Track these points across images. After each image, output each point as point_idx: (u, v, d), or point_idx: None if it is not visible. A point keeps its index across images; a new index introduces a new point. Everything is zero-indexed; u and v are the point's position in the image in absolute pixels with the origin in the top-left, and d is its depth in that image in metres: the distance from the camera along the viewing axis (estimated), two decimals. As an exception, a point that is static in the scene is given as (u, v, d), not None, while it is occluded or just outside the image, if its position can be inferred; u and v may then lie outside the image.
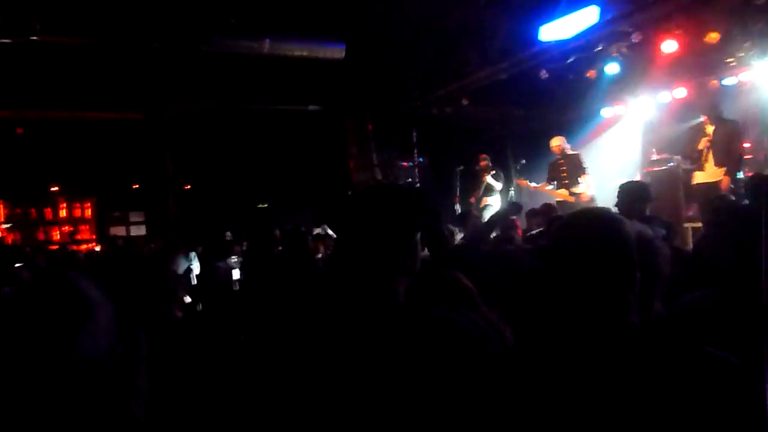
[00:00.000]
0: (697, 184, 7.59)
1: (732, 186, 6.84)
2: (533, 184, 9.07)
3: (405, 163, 12.41)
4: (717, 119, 7.24)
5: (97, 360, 0.82)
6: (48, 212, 14.62)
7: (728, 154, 7.00)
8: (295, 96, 11.15)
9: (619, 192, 4.72)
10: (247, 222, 11.50)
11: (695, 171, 7.51)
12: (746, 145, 8.88)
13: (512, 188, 10.20)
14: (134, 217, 14.71)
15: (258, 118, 11.79)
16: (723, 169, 7.02)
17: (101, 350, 0.84)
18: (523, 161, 10.16)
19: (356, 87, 11.13)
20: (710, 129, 7.27)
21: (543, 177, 9.17)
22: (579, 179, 8.44)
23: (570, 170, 8.52)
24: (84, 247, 12.94)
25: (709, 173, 7.20)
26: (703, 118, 7.49)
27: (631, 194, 4.42)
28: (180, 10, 7.80)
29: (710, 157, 7.19)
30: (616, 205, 4.52)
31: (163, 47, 8.21)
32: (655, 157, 9.99)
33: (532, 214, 6.90)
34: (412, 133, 11.93)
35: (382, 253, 1.39)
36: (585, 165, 8.50)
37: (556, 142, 8.72)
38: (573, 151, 8.72)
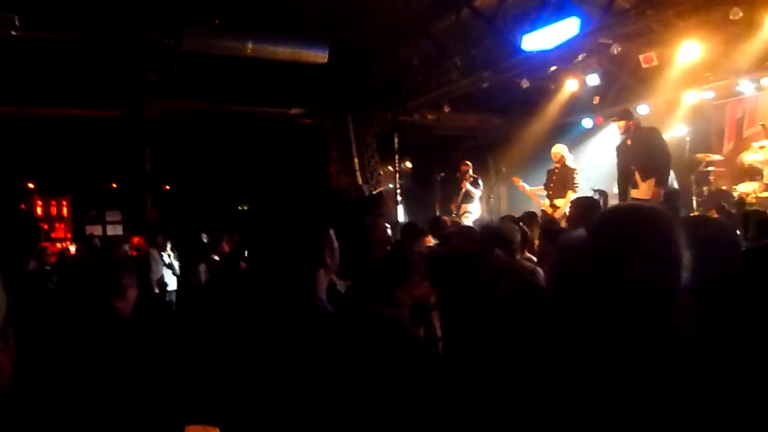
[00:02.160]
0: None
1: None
2: (526, 186, 9.00)
3: (386, 169, 12.42)
4: (635, 130, 6.77)
5: None
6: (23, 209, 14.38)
7: (653, 166, 6.41)
8: (277, 98, 11.11)
9: (570, 207, 4.76)
10: (228, 224, 11.41)
11: (631, 189, 6.76)
12: (716, 156, 9.04)
13: (491, 196, 10.25)
14: (111, 216, 14.53)
15: (239, 119, 11.72)
16: (651, 182, 6.41)
17: None
18: (503, 169, 10.23)
19: (339, 91, 11.13)
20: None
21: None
22: (566, 193, 8.18)
23: (559, 182, 8.31)
24: (58, 245, 12.73)
25: (641, 190, 6.56)
26: (621, 136, 6.91)
27: (582, 209, 4.43)
28: (162, 7, 7.73)
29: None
30: (569, 218, 4.55)
31: (144, 45, 8.13)
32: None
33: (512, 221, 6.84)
34: (394, 139, 11.95)
35: (295, 249, 1.41)
36: (576, 182, 8.17)
37: (556, 150, 8.45)
38: (571, 164, 8.40)
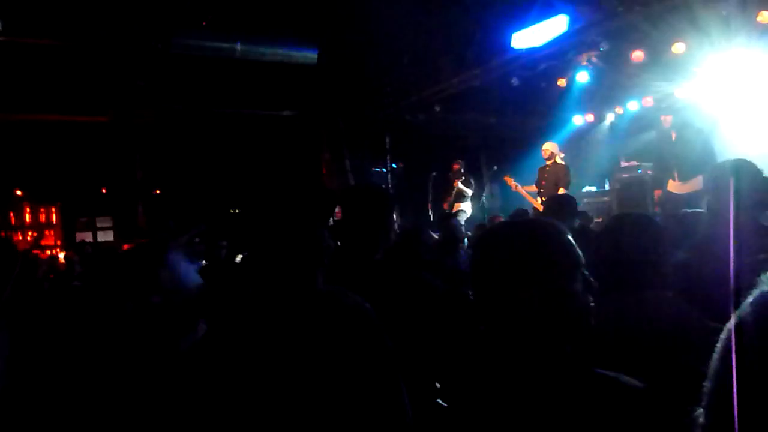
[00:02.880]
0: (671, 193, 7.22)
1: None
2: (518, 185, 8.95)
3: (378, 169, 12.41)
4: (682, 127, 7.14)
5: None
6: (12, 217, 14.24)
7: (695, 165, 6.56)
8: (267, 101, 11.06)
9: (545, 204, 4.67)
10: (220, 227, 11.35)
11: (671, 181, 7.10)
12: None
13: (484, 195, 10.24)
14: (101, 222, 14.41)
15: (230, 122, 11.67)
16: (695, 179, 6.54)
17: None
18: (495, 167, 10.22)
19: (329, 92, 11.10)
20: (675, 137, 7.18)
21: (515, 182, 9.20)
22: (557, 190, 8.08)
23: (551, 179, 8.27)
24: (48, 252, 12.61)
25: (680, 185, 6.85)
26: (666, 126, 7.43)
27: (556, 207, 4.31)
28: (150, 11, 7.68)
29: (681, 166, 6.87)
30: (542, 215, 4.47)
31: (132, 49, 8.08)
32: (624, 164, 10.18)
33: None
34: (385, 139, 11.94)
35: (297, 250, 1.45)
36: (568, 179, 8.17)
37: (546, 146, 8.42)
38: (562, 161, 8.39)
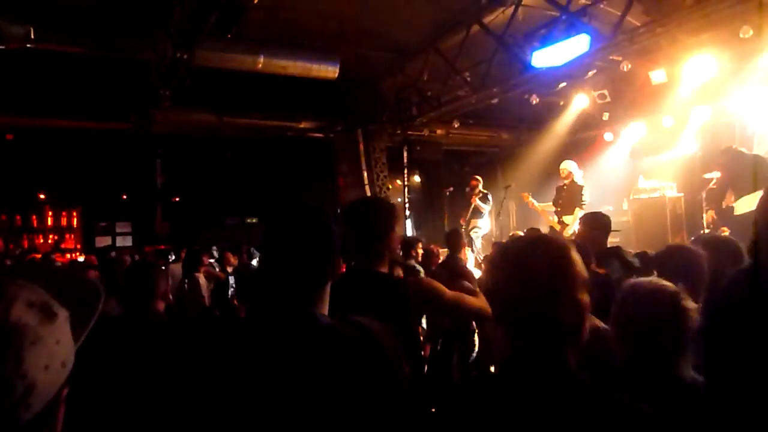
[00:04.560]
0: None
1: None
2: (535, 202, 8.91)
3: (396, 183, 12.45)
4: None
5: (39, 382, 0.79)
6: (34, 220, 14.49)
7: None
8: (287, 112, 11.18)
9: (580, 223, 4.70)
10: (236, 236, 11.45)
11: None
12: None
13: (501, 211, 10.23)
14: (121, 227, 14.62)
15: (249, 132, 11.80)
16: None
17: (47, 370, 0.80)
18: (512, 184, 10.21)
19: (349, 105, 11.19)
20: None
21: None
22: (573, 210, 8.10)
23: (568, 198, 8.22)
24: (68, 256, 12.80)
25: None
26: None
27: (592, 226, 4.36)
28: (175, 22, 7.82)
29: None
30: (577, 235, 4.49)
31: (157, 59, 8.22)
32: (642, 183, 10.12)
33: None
34: (404, 154, 11.99)
35: (306, 273, 1.46)
36: (584, 199, 8.08)
37: (564, 166, 8.37)
38: (580, 181, 8.31)
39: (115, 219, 14.61)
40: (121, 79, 9.30)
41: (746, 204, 6.65)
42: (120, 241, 14.37)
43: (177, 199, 14.07)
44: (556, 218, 8.37)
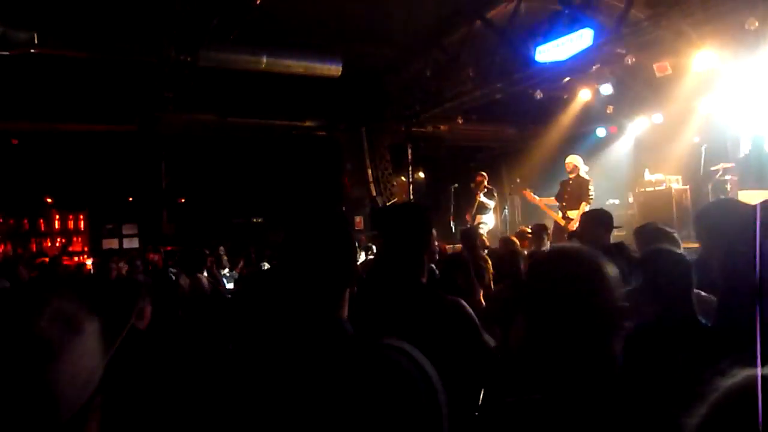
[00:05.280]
0: None
1: None
2: (536, 197, 8.90)
3: (400, 180, 12.46)
4: None
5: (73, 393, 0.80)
6: (41, 223, 14.57)
7: None
8: (291, 111, 11.20)
9: (581, 219, 4.66)
10: (242, 236, 11.48)
11: None
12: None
13: (506, 206, 10.22)
14: (127, 229, 14.66)
15: (254, 132, 11.82)
16: None
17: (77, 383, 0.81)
18: (517, 180, 10.20)
19: (352, 103, 11.20)
20: None
21: (537, 195, 9.15)
22: (579, 204, 8.05)
23: (573, 193, 8.20)
24: (75, 259, 12.87)
25: None
26: None
27: (594, 222, 4.33)
28: (179, 24, 7.84)
29: None
30: (577, 233, 4.44)
31: (161, 61, 8.24)
32: (648, 177, 10.09)
33: (521, 235, 6.75)
34: (408, 150, 11.99)
35: (329, 271, 1.46)
36: (591, 193, 8.07)
37: (569, 160, 8.36)
38: (585, 175, 8.29)
39: (122, 221, 14.66)
40: (125, 82, 9.33)
41: (748, 198, 6.67)
42: (127, 243, 14.43)
43: (183, 200, 14.12)
44: (560, 213, 8.35)
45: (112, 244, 14.19)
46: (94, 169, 12.62)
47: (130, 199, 14.50)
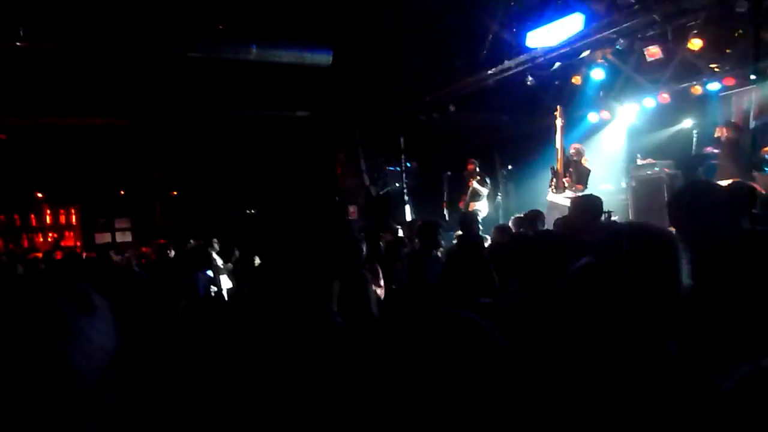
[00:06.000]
0: None
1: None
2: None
3: (392, 169, 12.44)
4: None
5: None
6: (32, 219, 14.48)
7: None
8: (282, 102, 11.14)
9: (570, 206, 4.75)
10: (236, 229, 11.46)
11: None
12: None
13: (499, 193, 10.24)
14: (120, 223, 14.59)
15: (246, 124, 11.76)
16: None
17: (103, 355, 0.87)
18: (510, 167, 10.20)
19: (344, 93, 11.15)
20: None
21: (529, 182, 9.21)
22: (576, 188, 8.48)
23: (574, 175, 8.64)
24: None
25: None
26: None
27: (583, 209, 4.42)
28: (167, 16, 7.77)
29: None
30: (568, 219, 4.52)
31: (150, 53, 8.17)
32: (640, 162, 10.12)
33: (519, 221, 6.82)
34: (400, 139, 11.96)
35: (318, 262, 1.46)
36: (587, 182, 8.58)
37: (575, 144, 8.95)
38: (587, 164, 8.82)
39: (114, 215, 14.58)
40: (115, 75, 9.24)
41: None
42: (120, 237, 14.37)
43: (175, 193, 14.06)
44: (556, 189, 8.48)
45: (104, 238, 14.13)
46: (85, 163, 12.52)
47: (122, 192, 14.41)
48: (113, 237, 14.42)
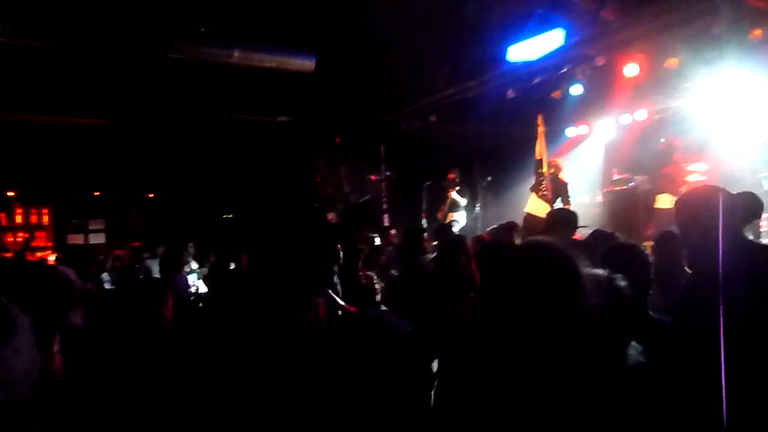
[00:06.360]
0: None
1: None
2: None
3: (372, 177, 12.44)
4: None
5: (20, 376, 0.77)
6: (3, 218, 14.14)
7: None
8: (263, 106, 11.08)
9: (547, 219, 4.80)
10: (213, 233, 11.34)
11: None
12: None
13: (478, 204, 10.29)
14: (93, 224, 14.31)
15: (225, 127, 11.67)
16: None
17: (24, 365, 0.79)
18: (489, 178, 10.27)
19: (325, 100, 11.13)
20: None
21: (509, 193, 9.29)
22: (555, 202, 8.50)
23: (551, 188, 8.66)
24: (38, 255, 12.53)
25: None
26: None
27: (559, 221, 4.46)
28: (149, 15, 7.70)
29: None
30: (544, 231, 4.56)
31: (130, 53, 8.08)
32: (616, 176, 10.28)
33: (494, 233, 6.82)
34: (380, 148, 11.97)
35: (298, 275, 1.47)
36: (569, 196, 8.68)
37: (554, 160, 9.04)
38: (564, 178, 8.95)
39: (88, 216, 14.30)
40: (95, 74, 9.10)
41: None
42: (93, 239, 14.10)
43: (152, 195, 13.86)
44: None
45: (77, 239, 13.86)
46: (60, 162, 12.28)
47: (97, 193, 14.15)
48: (86, 238, 14.14)
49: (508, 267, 1.45)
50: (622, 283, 1.86)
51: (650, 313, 2.24)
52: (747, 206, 3.40)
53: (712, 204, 2.30)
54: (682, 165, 8.99)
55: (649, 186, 9.55)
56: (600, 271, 1.95)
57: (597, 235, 3.55)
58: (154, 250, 8.21)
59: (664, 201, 7.90)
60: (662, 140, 9.63)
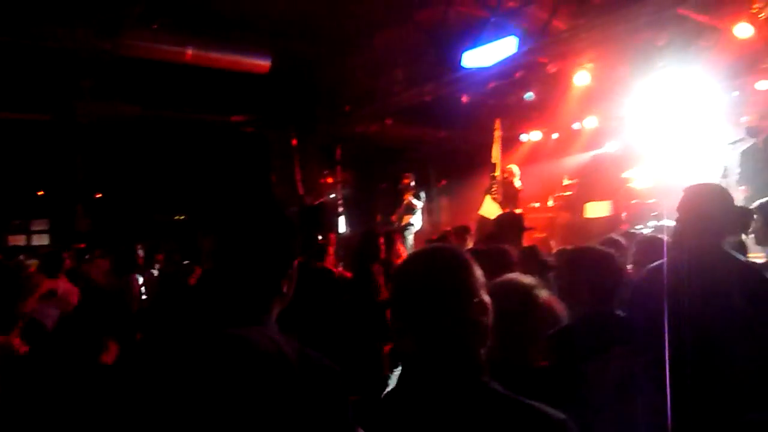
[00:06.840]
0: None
1: None
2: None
3: (328, 179, 12.39)
4: None
5: None
6: (-63, 218, 13.45)
7: None
8: (218, 106, 10.89)
9: (496, 222, 4.86)
10: (164, 234, 11.07)
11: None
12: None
13: (433, 207, 10.38)
14: (36, 225, 13.75)
15: (179, 126, 11.42)
16: None
17: None
18: (444, 182, 10.38)
19: (281, 100, 11.03)
20: None
21: (463, 197, 9.43)
22: (506, 207, 8.53)
23: (503, 193, 8.93)
24: (-22, 256, 11.94)
25: None
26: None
27: (508, 225, 4.52)
28: (99, 10, 7.46)
29: None
30: (491, 236, 4.62)
31: (79, 48, 7.81)
32: (566, 182, 10.56)
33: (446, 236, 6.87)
34: (336, 150, 11.94)
35: (262, 279, 1.38)
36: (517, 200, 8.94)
37: (509, 167, 9.36)
38: (518, 184, 9.20)
39: (31, 216, 13.72)
40: (39, 68, 8.76)
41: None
42: (36, 240, 13.54)
43: (100, 195, 13.42)
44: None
45: (18, 240, 13.29)
46: (1, 159, 11.76)
47: (41, 193, 13.60)
48: (29, 240, 13.58)
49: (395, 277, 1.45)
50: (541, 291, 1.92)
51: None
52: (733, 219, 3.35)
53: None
54: (620, 174, 9.36)
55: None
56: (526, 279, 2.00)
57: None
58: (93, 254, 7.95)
59: (594, 209, 8.35)
60: (602, 148, 10.01)
